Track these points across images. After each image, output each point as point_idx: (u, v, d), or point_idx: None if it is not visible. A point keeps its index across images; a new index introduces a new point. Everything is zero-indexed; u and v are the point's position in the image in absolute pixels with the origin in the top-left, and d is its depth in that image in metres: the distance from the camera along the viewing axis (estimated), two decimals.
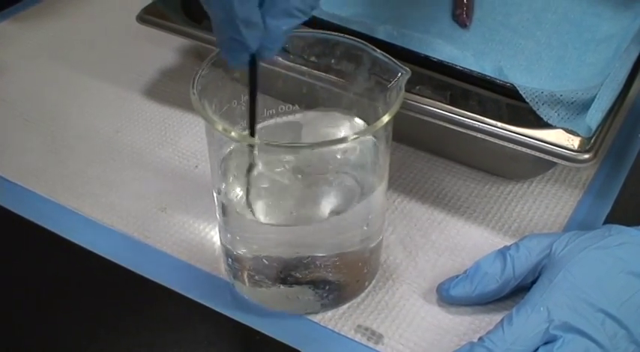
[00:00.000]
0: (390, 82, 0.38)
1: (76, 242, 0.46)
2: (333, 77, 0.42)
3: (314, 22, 0.49)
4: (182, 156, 0.52)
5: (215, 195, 0.40)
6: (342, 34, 0.40)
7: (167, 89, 0.57)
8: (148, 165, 0.51)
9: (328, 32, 0.41)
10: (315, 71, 0.43)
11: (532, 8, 0.57)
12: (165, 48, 0.60)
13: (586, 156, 0.43)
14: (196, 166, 0.51)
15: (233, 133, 0.36)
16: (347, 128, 0.41)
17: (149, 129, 0.54)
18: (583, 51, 0.53)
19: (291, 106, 0.42)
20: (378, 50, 0.39)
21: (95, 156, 0.52)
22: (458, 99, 0.47)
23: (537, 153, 0.44)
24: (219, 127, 0.35)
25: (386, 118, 0.35)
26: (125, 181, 0.50)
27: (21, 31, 0.65)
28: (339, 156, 0.40)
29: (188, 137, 0.53)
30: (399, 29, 0.49)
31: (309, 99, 0.41)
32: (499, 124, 0.44)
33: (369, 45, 0.39)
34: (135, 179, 0.50)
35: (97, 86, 0.58)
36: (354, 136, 0.35)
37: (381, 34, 0.49)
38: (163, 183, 0.50)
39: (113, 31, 0.64)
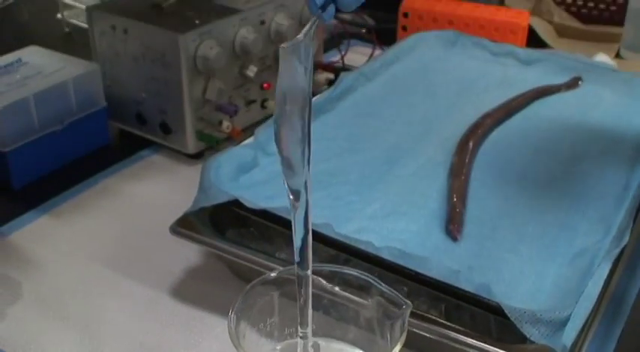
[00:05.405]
0: (395, 312, 0.44)
1: None
2: (342, 302, 0.48)
3: (322, 238, 0.57)
4: None
5: None
6: (349, 268, 0.47)
7: (191, 290, 0.64)
8: None
9: (337, 266, 0.48)
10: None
11: (515, 223, 0.64)
12: (189, 247, 0.67)
13: None
14: None
15: None
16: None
17: (174, 330, 0.60)
18: (560, 264, 0.60)
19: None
20: (384, 284, 0.46)
21: None
22: (452, 312, 0.54)
23: None
24: None
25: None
26: None
27: (57, 227, 0.72)
28: None
29: (210, 338, 0.59)
30: (400, 250, 0.56)
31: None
32: (488, 341, 0.51)
33: (375, 278, 0.46)
34: None
35: (128, 285, 0.64)
36: None
37: (385, 254, 0.56)
38: None
39: (142, 229, 0.71)
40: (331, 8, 0.41)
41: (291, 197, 0.42)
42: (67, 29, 1.14)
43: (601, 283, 0.55)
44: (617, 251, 0.57)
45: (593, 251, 0.60)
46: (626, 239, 0.59)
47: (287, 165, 0.41)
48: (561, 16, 1.18)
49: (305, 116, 0.39)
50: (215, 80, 0.80)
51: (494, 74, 0.91)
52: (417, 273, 0.55)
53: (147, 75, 0.80)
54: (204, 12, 0.81)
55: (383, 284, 0.46)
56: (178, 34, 0.76)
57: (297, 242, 0.43)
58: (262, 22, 0.84)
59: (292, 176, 0.41)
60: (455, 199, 0.65)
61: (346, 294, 0.48)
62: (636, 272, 0.63)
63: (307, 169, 0.41)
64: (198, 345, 0.59)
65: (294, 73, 0.39)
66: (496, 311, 0.53)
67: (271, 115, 0.85)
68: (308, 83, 0.39)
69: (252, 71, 0.84)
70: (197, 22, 0.78)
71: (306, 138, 0.40)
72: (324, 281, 0.47)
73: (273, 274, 0.47)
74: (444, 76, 0.90)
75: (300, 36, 0.38)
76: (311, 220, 0.43)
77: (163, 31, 0.77)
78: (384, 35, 1.08)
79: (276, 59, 0.87)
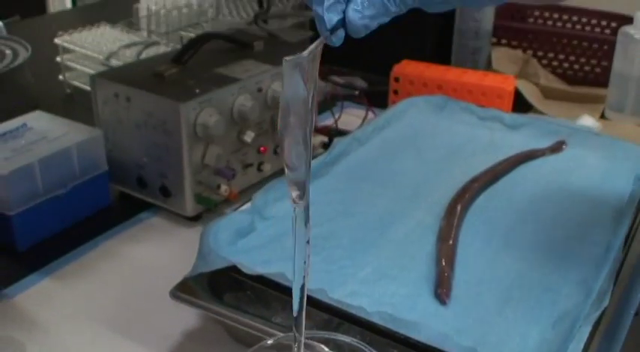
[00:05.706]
0: None
1: None
2: None
3: (316, 303, 0.60)
4: None
5: None
6: (342, 335, 0.50)
7: None
8: None
9: (331, 332, 0.51)
10: None
11: (500, 286, 0.67)
12: (188, 310, 0.69)
13: None
14: None
15: None
16: None
17: None
18: (544, 327, 0.62)
19: None
20: (374, 351, 0.48)
21: None
22: None
23: None
24: None
25: None
26: None
27: (59, 289, 0.74)
28: None
29: None
30: (390, 315, 0.59)
31: None
32: None
33: (366, 345, 0.49)
34: None
35: (128, 346, 0.67)
36: None
37: (376, 318, 0.59)
38: None
39: (142, 291, 0.74)
40: (340, 32, 0.43)
41: (293, 195, 0.43)
42: (68, 90, 1.18)
43: (581, 346, 0.58)
44: (597, 314, 0.60)
45: (575, 313, 0.63)
46: (606, 302, 0.62)
47: (290, 172, 0.43)
48: (547, 78, 1.23)
49: (307, 128, 0.42)
50: (214, 146, 0.83)
51: (481, 138, 0.94)
52: (407, 337, 0.58)
53: (148, 141, 0.83)
54: (204, 81, 0.85)
55: (374, 351, 0.48)
56: (179, 102, 0.79)
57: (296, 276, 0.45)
58: (259, 90, 0.88)
59: (295, 181, 0.43)
60: (443, 263, 0.68)
61: None
62: (616, 335, 0.65)
63: (308, 176, 0.43)
64: None
65: (296, 86, 0.41)
66: None
67: (267, 178, 0.89)
68: (310, 97, 0.41)
69: (249, 136, 0.87)
70: (197, 90, 0.82)
71: (308, 147, 0.42)
72: (326, 349, 0.50)
73: (270, 341, 0.49)
74: (433, 140, 0.94)
75: (305, 53, 0.40)
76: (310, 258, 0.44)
77: (165, 100, 0.81)
78: (376, 98, 1.12)
79: (273, 124, 0.90)
